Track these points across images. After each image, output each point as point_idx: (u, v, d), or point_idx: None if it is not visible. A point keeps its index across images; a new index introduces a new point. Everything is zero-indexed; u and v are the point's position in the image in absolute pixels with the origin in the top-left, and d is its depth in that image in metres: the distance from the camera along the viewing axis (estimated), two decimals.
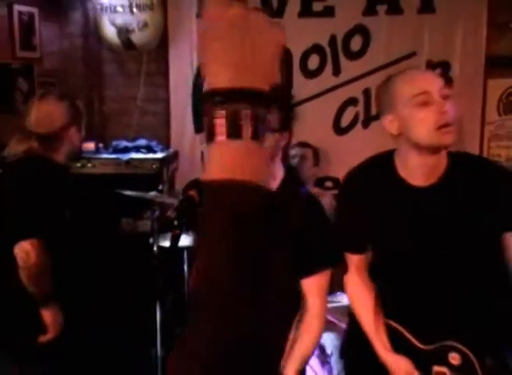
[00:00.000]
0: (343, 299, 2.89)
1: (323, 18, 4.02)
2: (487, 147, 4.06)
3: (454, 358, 1.69)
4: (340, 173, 3.81)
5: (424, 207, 1.73)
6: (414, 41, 3.99)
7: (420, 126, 1.66)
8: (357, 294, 1.89)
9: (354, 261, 1.89)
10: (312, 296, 1.77)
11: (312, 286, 1.76)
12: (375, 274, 1.91)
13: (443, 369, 1.70)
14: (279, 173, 1.78)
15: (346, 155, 3.87)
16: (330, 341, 2.58)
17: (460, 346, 1.69)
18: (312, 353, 1.80)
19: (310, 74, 4.11)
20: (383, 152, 1.85)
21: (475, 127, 4.04)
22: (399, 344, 1.79)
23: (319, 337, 1.80)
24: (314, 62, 4.09)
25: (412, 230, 1.75)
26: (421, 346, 1.76)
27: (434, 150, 1.68)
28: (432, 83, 1.68)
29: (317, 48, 4.07)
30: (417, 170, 1.73)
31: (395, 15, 3.98)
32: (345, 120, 4.13)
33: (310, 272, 1.76)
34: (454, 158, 1.75)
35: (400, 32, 3.99)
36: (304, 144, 3.76)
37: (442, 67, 3.98)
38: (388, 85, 1.75)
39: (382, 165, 1.82)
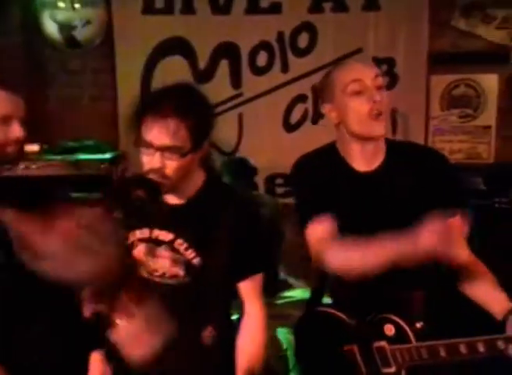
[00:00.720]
0: (295, 294, 2.93)
1: (270, 15, 4.03)
2: (431, 141, 4.17)
3: (389, 329, 1.74)
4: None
5: (368, 192, 1.79)
6: (359, 37, 4.05)
7: (353, 115, 1.73)
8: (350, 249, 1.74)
9: (328, 228, 1.78)
10: (250, 299, 1.74)
11: (249, 289, 1.73)
12: None
13: (382, 343, 1.75)
14: (199, 179, 1.72)
15: (296, 151, 3.81)
16: (283, 334, 2.60)
17: (391, 316, 1.74)
18: (262, 353, 1.75)
19: (258, 71, 4.12)
20: (326, 144, 1.89)
21: (420, 122, 4.15)
22: (336, 329, 1.83)
23: (264, 338, 1.75)
24: (262, 58, 4.11)
25: (358, 214, 1.80)
26: (359, 323, 1.80)
27: (368, 139, 1.75)
28: (366, 71, 1.74)
29: (265, 45, 4.08)
30: (358, 157, 1.79)
31: (340, 12, 4.03)
32: (294, 117, 4.16)
33: (245, 275, 1.72)
34: (392, 145, 1.83)
35: (346, 29, 4.05)
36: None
37: (388, 63, 4.06)
38: (327, 76, 1.81)
39: (328, 153, 1.86)
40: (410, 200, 1.76)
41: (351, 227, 1.79)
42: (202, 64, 4.08)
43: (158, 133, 1.56)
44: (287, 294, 2.94)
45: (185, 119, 1.56)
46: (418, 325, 1.73)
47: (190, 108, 1.60)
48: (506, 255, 1.79)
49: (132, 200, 1.58)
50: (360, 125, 1.73)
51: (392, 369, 1.73)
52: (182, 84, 1.66)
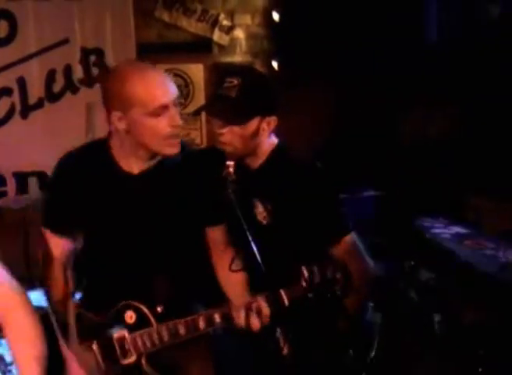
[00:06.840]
0: None
1: None
2: None
3: (129, 317, 1.75)
4: (4, 167, 3.63)
5: (134, 193, 1.80)
6: (65, 27, 3.93)
7: (150, 134, 1.71)
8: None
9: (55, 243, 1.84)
10: None
11: None
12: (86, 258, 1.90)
13: (122, 332, 1.74)
14: None
15: (7, 148, 3.66)
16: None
17: (131, 302, 1.76)
18: None
19: None
20: (98, 139, 1.88)
21: None
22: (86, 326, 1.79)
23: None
24: None
25: (121, 215, 1.80)
26: (99, 318, 1.78)
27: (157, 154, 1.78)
28: (170, 94, 1.72)
29: None
30: (133, 159, 1.79)
31: (42, 0, 3.85)
32: (0, 112, 3.85)
33: None
34: None
35: (49, 18, 3.89)
36: None
37: (97, 54, 4.03)
38: (123, 82, 1.70)
39: (96, 149, 1.84)
40: (175, 206, 1.81)
41: (112, 229, 1.82)
42: None
43: None
44: None
45: None
46: (159, 308, 1.74)
47: None
48: None
49: None
50: (156, 145, 1.73)
51: (133, 359, 1.71)
52: None
